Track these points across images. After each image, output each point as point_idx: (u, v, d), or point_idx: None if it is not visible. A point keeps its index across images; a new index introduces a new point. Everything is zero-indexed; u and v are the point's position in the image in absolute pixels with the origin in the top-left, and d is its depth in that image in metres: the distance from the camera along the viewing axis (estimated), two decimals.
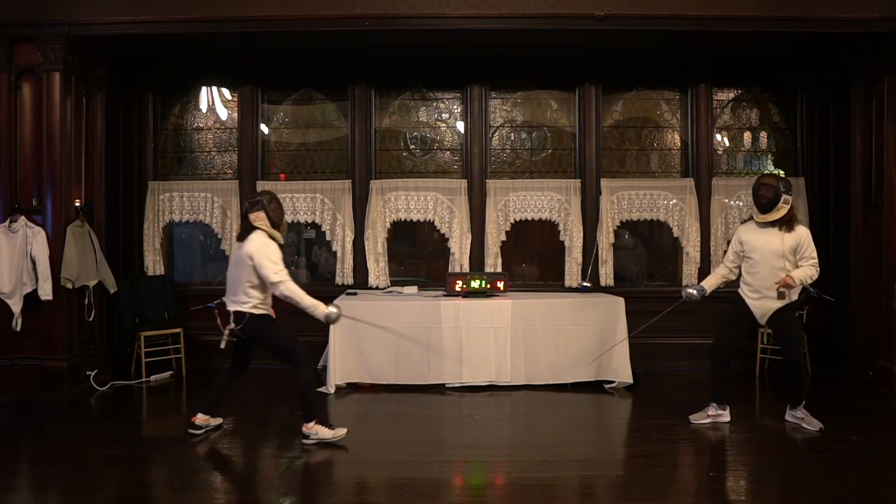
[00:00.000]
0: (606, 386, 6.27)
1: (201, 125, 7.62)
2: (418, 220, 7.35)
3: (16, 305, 5.94)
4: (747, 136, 7.56)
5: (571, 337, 6.29)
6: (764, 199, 4.86)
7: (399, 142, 7.54)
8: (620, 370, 6.24)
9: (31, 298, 5.97)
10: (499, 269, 7.13)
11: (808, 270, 4.80)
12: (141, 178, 7.49)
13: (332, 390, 6.08)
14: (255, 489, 4.12)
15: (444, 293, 6.64)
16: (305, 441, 4.67)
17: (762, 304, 4.91)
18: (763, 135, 7.55)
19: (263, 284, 4.56)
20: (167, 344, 6.89)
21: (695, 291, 5.18)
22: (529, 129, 7.55)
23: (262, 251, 4.50)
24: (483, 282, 6.60)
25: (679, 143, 7.50)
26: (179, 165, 7.64)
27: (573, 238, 7.24)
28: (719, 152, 7.51)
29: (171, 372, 6.76)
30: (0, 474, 4.19)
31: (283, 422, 5.31)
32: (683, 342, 7.10)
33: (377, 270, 7.26)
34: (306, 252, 7.77)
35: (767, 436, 4.90)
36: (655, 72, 7.35)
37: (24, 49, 6.03)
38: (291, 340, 4.72)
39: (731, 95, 7.52)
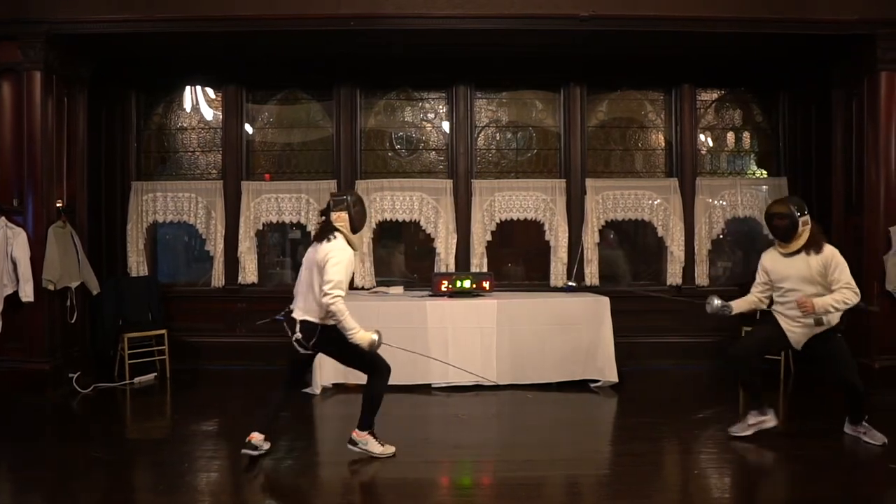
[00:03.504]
0: (592, 385, 6.29)
1: (185, 125, 7.56)
2: (404, 221, 7.34)
3: None
4: (730, 136, 7.63)
5: (557, 336, 6.30)
6: (780, 230, 4.51)
7: (384, 142, 7.53)
8: (606, 369, 6.27)
9: (13, 300, 5.89)
10: (484, 269, 7.14)
11: (837, 295, 4.35)
12: (124, 179, 7.42)
13: (318, 391, 6.05)
14: (240, 491, 4.09)
15: (430, 293, 6.63)
16: (352, 447, 4.37)
17: (800, 331, 4.55)
18: (746, 135, 7.63)
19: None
20: (151, 345, 6.82)
21: (719, 303, 4.76)
22: (515, 130, 7.57)
23: (337, 256, 4.12)
24: (469, 282, 6.60)
25: (663, 144, 7.55)
26: (163, 165, 7.59)
27: (558, 238, 7.27)
28: (703, 152, 7.57)
29: (155, 374, 6.70)
30: None
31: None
32: (668, 341, 7.15)
33: (363, 271, 7.24)
34: (291, 252, 7.74)
35: (751, 434, 4.93)
36: (640, 72, 7.39)
37: (5, 47, 5.94)
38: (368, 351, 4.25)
39: (715, 96, 7.58)
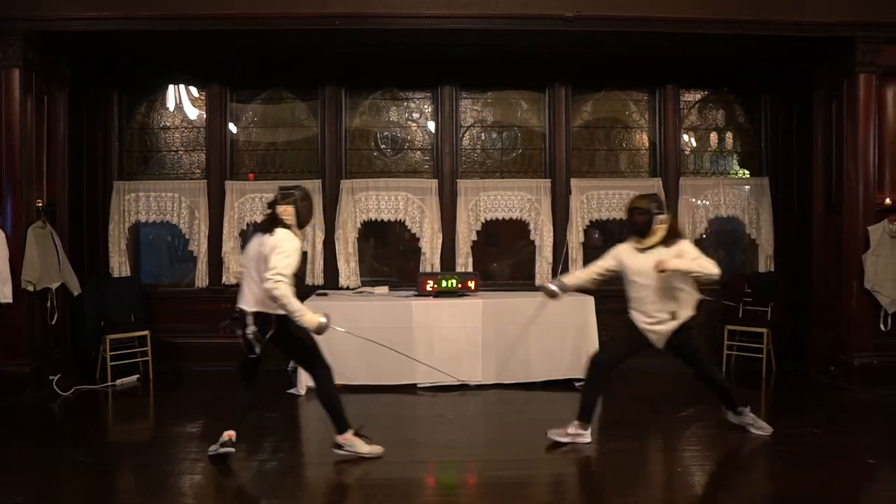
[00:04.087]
0: (577, 384, 6.30)
1: (168, 124, 7.49)
2: (389, 220, 7.33)
3: None
4: (714, 136, 7.70)
5: (542, 336, 6.31)
6: (637, 225, 4.59)
7: (370, 141, 7.51)
8: None
9: None
10: (470, 269, 7.15)
11: (694, 263, 4.43)
12: (106, 178, 7.33)
13: (303, 392, 6.01)
14: (224, 493, 4.07)
15: (415, 293, 6.61)
16: (338, 451, 4.36)
17: (657, 328, 4.58)
18: (729, 135, 7.70)
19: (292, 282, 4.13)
20: (133, 347, 6.75)
21: (555, 287, 4.84)
22: (500, 129, 7.58)
23: (285, 246, 4.10)
24: (454, 281, 6.59)
25: (647, 144, 7.60)
26: (146, 165, 7.51)
27: (544, 237, 7.29)
28: (686, 152, 7.63)
29: (137, 375, 6.62)
30: None
31: (253, 423, 5.22)
32: None
33: (348, 271, 7.22)
34: None
35: (734, 431, 4.97)
36: (624, 72, 7.42)
37: None
38: (317, 345, 4.35)
39: (698, 96, 7.64)
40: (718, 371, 4.70)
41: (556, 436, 4.64)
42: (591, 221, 7.41)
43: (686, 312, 4.57)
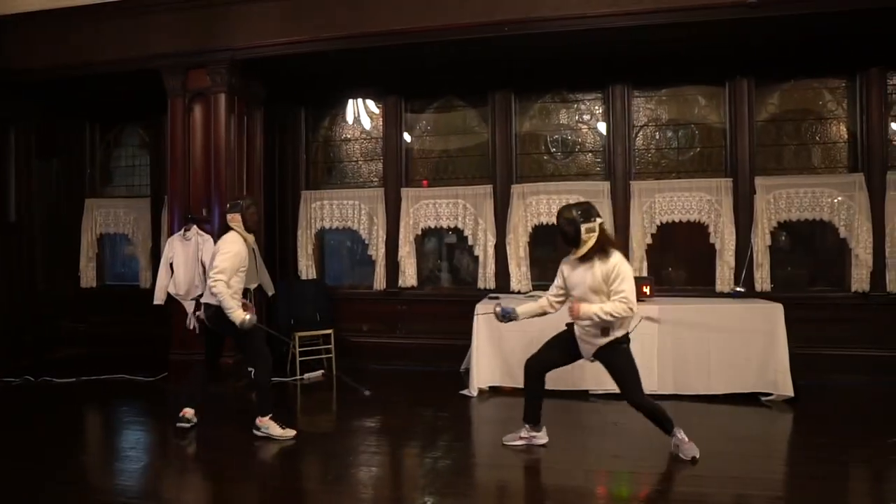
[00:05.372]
0: (763, 399, 5.85)
1: (349, 136, 8.01)
2: None
3: (190, 306, 6.54)
4: None
5: (724, 345, 5.93)
6: (566, 236, 4.43)
7: (540, 145, 7.50)
8: (779, 382, 5.80)
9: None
10: (644, 274, 6.88)
11: (608, 305, 4.24)
12: (294, 188, 7.99)
13: (475, 393, 6.14)
14: (400, 486, 4.25)
15: None
16: (256, 432, 4.93)
17: (588, 340, 4.44)
18: None
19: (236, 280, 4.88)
20: (318, 344, 7.27)
21: (500, 309, 4.78)
22: (675, 127, 7.23)
23: (225, 249, 4.83)
24: None
25: (846, 136, 6.87)
26: (329, 175, 8.08)
27: (725, 240, 6.85)
28: None
29: (322, 371, 7.12)
30: (175, 457, 4.65)
31: (428, 422, 5.43)
32: (850, 353, 6.48)
33: (519, 275, 7.25)
34: (448, 257, 7.92)
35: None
36: (816, 58, 6.76)
37: (196, 75, 6.67)
38: (256, 338, 4.93)
39: None
40: (643, 397, 4.42)
41: (510, 441, 4.74)
42: (779, 223, 6.84)
43: (618, 330, 4.37)
